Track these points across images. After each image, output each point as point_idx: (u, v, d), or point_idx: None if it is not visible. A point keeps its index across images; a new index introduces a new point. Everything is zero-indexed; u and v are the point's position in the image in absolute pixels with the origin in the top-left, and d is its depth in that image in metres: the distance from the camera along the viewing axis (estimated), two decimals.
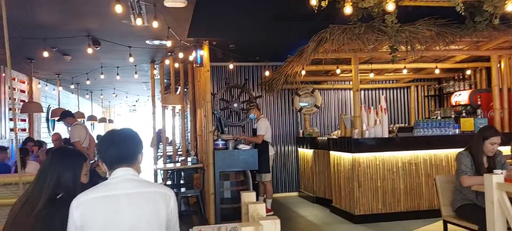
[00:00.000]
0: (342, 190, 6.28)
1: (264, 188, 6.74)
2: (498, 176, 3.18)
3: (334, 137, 7.06)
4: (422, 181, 6.09)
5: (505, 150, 4.40)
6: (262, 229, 1.74)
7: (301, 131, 8.42)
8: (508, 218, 3.10)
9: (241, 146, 6.32)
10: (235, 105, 8.29)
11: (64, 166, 2.13)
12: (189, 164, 6.82)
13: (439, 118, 7.18)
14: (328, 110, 8.79)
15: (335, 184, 6.54)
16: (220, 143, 6.28)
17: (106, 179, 6.72)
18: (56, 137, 7.76)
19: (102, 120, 14.66)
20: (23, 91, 9.17)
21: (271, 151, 6.81)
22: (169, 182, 7.30)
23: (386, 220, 5.84)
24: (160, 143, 8.92)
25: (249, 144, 6.75)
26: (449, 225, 4.03)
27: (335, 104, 8.83)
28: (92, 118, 12.10)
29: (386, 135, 6.07)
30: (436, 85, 8.83)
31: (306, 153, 8.07)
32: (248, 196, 2.40)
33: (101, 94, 14.12)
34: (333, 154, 6.59)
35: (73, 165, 2.17)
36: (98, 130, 15.91)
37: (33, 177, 4.37)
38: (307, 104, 8.44)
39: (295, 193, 8.47)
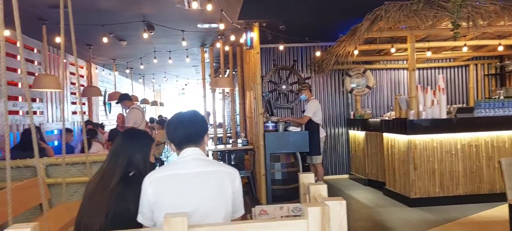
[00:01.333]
0: (397, 172, 6.12)
1: (315, 170, 6.72)
2: None
3: (387, 118, 6.88)
4: (482, 164, 5.81)
5: None
6: (329, 209, 1.74)
7: (352, 113, 8.27)
8: None
9: (292, 128, 6.32)
10: (284, 87, 8.26)
11: (134, 147, 2.23)
12: (240, 145, 6.92)
13: (501, 97, 6.77)
14: (381, 91, 8.55)
15: (388, 167, 6.39)
16: (270, 125, 6.31)
17: (160, 159, 7.03)
18: (120, 116, 8.15)
19: (154, 103, 15.18)
20: (82, 76, 9.66)
21: (322, 133, 6.76)
22: None
23: (444, 203, 5.65)
24: (210, 125, 9.09)
25: (299, 126, 6.74)
26: None
27: (388, 85, 8.57)
28: (144, 101, 12.54)
29: (444, 116, 5.82)
30: (498, 63, 8.31)
31: (357, 135, 7.93)
32: (307, 177, 2.39)
33: (153, 78, 14.60)
34: (386, 136, 6.43)
35: (143, 146, 2.27)
36: (149, 113, 16.51)
37: (98, 157, 4.61)
38: (358, 85, 8.25)
39: (346, 176, 8.38)
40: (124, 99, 7.07)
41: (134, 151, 2.22)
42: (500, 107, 5.80)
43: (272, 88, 8.31)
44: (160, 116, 15.20)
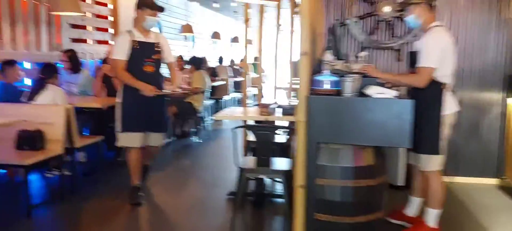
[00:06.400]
0: None
1: (426, 183, 3.11)
2: None
3: None
4: None
5: None
6: None
7: None
8: None
9: (374, 90, 2.76)
10: (386, 10, 4.47)
11: None
12: (279, 114, 3.56)
13: None
14: None
15: None
16: (328, 80, 2.84)
17: (195, 111, 3.59)
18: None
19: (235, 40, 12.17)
20: None
21: (452, 107, 3.02)
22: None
23: None
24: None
25: (398, 88, 3.11)
26: None
27: None
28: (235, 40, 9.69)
29: None
30: None
31: None
32: None
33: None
34: None
35: None
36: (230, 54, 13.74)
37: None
38: None
39: (493, 181, 4.49)
40: None
41: None
42: None
43: (364, 11, 4.61)
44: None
